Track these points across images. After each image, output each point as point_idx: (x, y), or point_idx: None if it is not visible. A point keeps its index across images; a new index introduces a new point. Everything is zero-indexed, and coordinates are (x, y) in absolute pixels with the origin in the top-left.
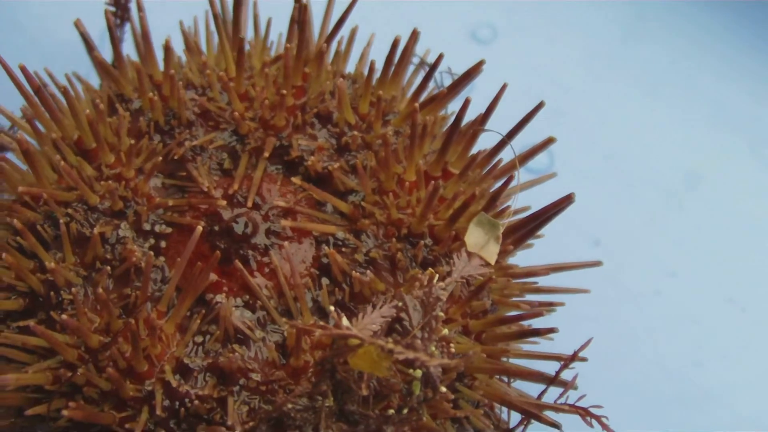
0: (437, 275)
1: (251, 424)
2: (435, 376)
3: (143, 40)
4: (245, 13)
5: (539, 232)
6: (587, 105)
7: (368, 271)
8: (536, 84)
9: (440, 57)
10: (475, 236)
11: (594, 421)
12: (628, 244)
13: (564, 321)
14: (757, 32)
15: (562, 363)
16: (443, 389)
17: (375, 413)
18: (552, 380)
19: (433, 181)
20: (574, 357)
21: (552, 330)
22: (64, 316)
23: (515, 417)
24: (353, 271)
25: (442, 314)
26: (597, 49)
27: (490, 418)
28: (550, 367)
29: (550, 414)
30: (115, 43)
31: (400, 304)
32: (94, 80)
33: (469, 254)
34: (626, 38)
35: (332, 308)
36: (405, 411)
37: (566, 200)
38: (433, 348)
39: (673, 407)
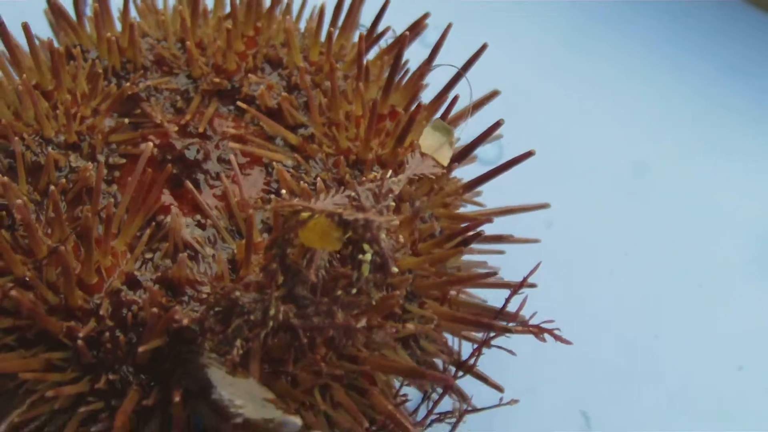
0: (390, 171)
1: (199, 314)
2: (386, 256)
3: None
4: None
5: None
6: (537, 104)
7: (318, 184)
8: (485, 84)
9: (387, 2)
10: (429, 139)
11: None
12: (580, 227)
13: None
14: (702, 31)
15: (512, 290)
16: (395, 269)
17: (324, 300)
18: (501, 310)
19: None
20: (522, 283)
21: (478, 234)
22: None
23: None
24: (302, 184)
25: (393, 204)
26: (544, 51)
27: (439, 346)
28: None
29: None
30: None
31: (353, 193)
32: None
33: (423, 155)
34: (574, 39)
35: (283, 191)
36: (354, 291)
37: (496, 126)
38: (384, 235)
39: (630, 380)
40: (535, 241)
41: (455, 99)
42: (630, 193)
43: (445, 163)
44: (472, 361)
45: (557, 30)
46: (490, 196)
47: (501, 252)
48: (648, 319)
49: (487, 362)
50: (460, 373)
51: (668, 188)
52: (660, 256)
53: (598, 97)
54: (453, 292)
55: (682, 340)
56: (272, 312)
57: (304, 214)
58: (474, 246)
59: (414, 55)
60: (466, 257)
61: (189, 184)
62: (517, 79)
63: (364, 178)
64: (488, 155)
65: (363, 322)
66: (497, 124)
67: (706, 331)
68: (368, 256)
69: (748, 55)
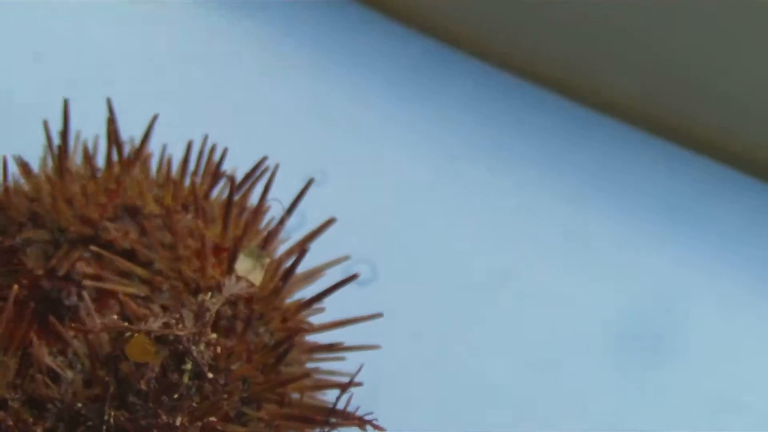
0: (210, 293)
1: (47, 424)
2: (201, 365)
3: None
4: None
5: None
6: (406, 229)
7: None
8: (351, 224)
9: (225, 150)
10: (243, 264)
11: None
12: (446, 335)
13: (389, 398)
14: (558, 144)
15: (341, 390)
16: (210, 375)
17: (152, 405)
18: (332, 409)
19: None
20: (350, 383)
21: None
22: None
23: None
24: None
25: (209, 320)
26: (410, 182)
27: None
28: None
29: None
30: None
31: (177, 315)
32: None
33: (238, 278)
34: (440, 160)
35: (114, 316)
36: (176, 396)
37: (328, 223)
38: (203, 347)
39: None
40: (375, 347)
41: (272, 232)
42: (487, 298)
43: (257, 283)
44: None
45: (422, 150)
46: (359, 311)
47: (341, 359)
48: (507, 406)
49: None
50: None
51: (523, 290)
52: (515, 348)
53: (461, 215)
54: (297, 395)
55: (537, 418)
56: (106, 418)
57: (127, 334)
58: (316, 356)
59: None
60: (311, 365)
61: (52, 318)
62: (384, 210)
63: (185, 302)
64: (363, 275)
65: (179, 421)
66: (300, 248)
67: (561, 415)
68: (188, 366)
69: (604, 163)
